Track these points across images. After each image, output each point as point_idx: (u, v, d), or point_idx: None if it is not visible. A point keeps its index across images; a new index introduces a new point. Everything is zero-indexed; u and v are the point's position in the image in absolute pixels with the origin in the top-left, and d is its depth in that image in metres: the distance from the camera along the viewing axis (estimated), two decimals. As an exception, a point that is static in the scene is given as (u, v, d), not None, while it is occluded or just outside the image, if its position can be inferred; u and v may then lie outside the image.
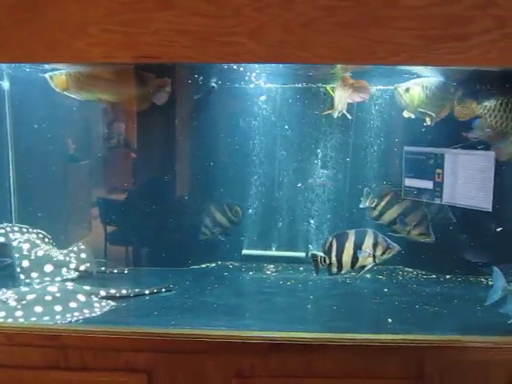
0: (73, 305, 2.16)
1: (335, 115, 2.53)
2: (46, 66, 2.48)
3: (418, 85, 2.45)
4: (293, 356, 1.88)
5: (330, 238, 2.47)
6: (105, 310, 2.20)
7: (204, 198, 2.98)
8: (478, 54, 1.84)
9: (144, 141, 2.95)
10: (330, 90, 2.72)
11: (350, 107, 2.57)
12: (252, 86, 2.94)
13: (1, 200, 2.93)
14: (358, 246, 2.41)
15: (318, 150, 2.97)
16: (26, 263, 2.50)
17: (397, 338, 1.90)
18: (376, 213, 2.74)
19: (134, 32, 1.89)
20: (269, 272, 2.90)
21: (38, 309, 2.09)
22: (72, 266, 2.61)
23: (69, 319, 2.07)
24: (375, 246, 2.40)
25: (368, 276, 2.74)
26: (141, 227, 2.94)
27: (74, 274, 2.58)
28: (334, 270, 2.45)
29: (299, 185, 3.00)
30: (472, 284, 2.70)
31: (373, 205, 2.74)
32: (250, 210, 3.05)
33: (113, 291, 2.35)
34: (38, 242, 2.70)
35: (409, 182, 2.71)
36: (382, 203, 2.73)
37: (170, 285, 2.50)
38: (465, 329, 2.03)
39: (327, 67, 2.34)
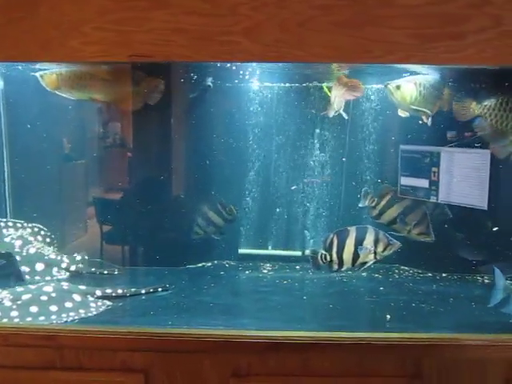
0: (68, 305, 2.15)
1: (331, 115, 2.54)
2: (38, 65, 2.46)
3: (409, 82, 2.42)
4: (290, 355, 1.88)
5: (331, 235, 2.46)
6: (101, 309, 2.19)
7: (200, 197, 2.98)
8: (473, 53, 1.85)
9: (139, 140, 2.94)
10: (327, 90, 2.72)
11: (346, 106, 2.57)
12: (249, 84, 2.94)
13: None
14: (358, 243, 2.40)
15: (314, 149, 2.97)
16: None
17: (394, 336, 1.90)
18: (376, 212, 2.74)
19: (129, 31, 1.88)
20: (265, 271, 2.90)
21: (34, 309, 2.08)
22: (63, 265, 2.60)
23: (64, 319, 2.06)
24: (376, 242, 2.40)
25: (364, 274, 2.74)
26: (136, 226, 2.93)
27: (64, 275, 2.57)
28: (335, 266, 2.44)
29: (293, 187, 3.00)
30: (468, 282, 2.71)
31: (373, 204, 2.74)
32: (246, 209, 3.05)
33: (109, 291, 2.34)
34: (30, 239, 2.68)
35: (405, 180, 2.72)
36: (382, 202, 2.73)
37: (166, 284, 2.49)
38: (461, 327, 2.03)
39: (323, 66, 2.34)
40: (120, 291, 2.36)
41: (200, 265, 2.97)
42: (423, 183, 2.64)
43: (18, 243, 2.59)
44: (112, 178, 3.05)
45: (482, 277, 2.73)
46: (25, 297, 2.13)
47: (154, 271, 2.77)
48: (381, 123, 2.90)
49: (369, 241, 2.40)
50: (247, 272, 2.87)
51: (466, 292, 2.52)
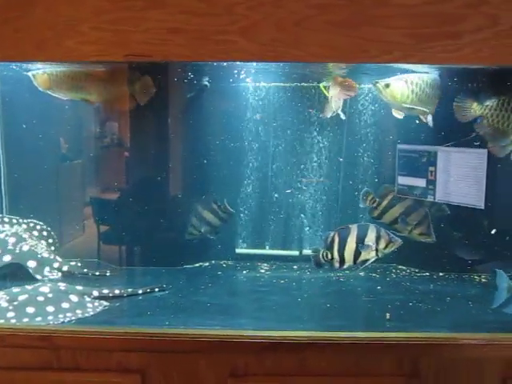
0: (65, 305, 2.14)
1: (329, 115, 2.53)
2: (30, 65, 2.45)
3: (400, 80, 2.40)
4: (287, 355, 1.88)
5: (332, 233, 2.45)
6: (97, 310, 2.18)
7: (198, 197, 2.97)
8: (470, 53, 1.85)
9: (135, 140, 2.94)
10: (324, 90, 2.72)
11: (344, 105, 2.57)
12: (245, 84, 2.93)
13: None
14: (360, 240, 2.39)
15: (311, 149, 2.97)
16: (7, 258, 2.49)
17: (391, 335, 1.90)
18: (377, 212, 2.74)
19: (125, 30, 1.88)
20: (262, 271, 2.89)
21: (30, 309, 2.07)
22: (55, 265, 2.59)
23: (61, 320, 2.05)
24: (378, 239, 2.39)
25: (361, 274, 2.74)
26: (133, 226, 2.92)
27: (56, 275, 2.56)
28: (337, 264, 2.43)
29: (289, 191, 2.99)
30: (465, 281, 2.71)
31: (374, 204, 2.73)
32: (243, 209, 3.04)
33: (106, 291, 2.33)
34: (25, 236, 2.67)
35: (402, 179, 2.72)
36: (384, 203, 2.72)
37: (163, 284, 2.49)
38: (459, 326, 2.03)
39: (320, 65, 2.34)
40: (117, 291, 2.35)
41: (197, 265, 2.96)
42: (420, 182, 2.64)
43: (12, 240, 2.58)
44: (108, 178, 3.04)
45: (479, 276, 2.74)
46: (21, 297, 2.12)
47: (152, 271, 2.77)
48: (379, 123, 2.90)
49: (370, 238, 2.38)
50: (245, 272, 2.87)
51: (463, 291, 2.52)
